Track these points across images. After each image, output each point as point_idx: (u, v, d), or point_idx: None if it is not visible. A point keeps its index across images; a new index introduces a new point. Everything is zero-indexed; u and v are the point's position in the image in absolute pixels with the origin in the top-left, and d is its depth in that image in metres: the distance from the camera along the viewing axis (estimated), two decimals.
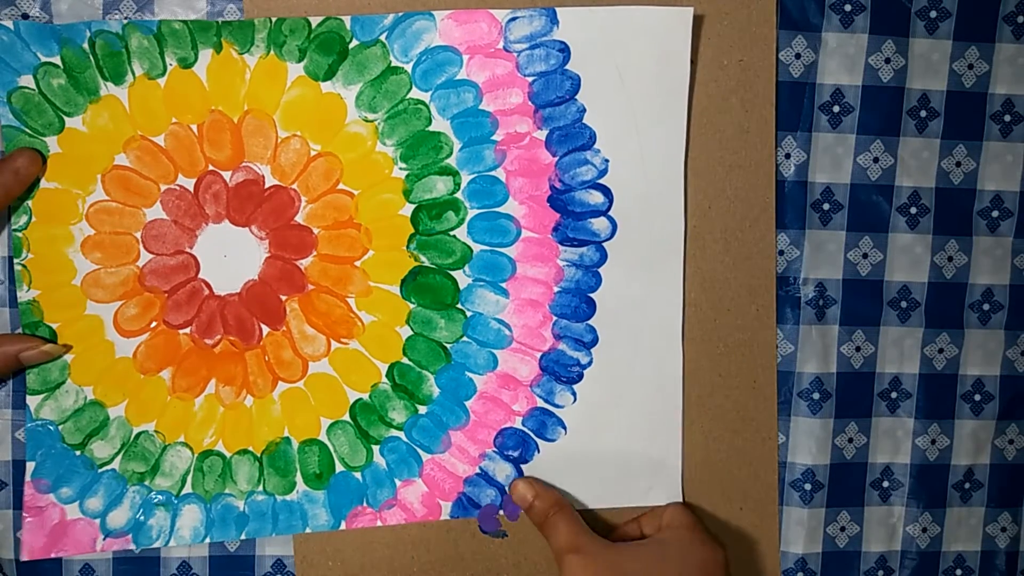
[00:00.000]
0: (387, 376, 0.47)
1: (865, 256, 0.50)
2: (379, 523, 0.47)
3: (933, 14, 0.49)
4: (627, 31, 0.45)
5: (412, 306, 0.47)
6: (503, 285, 0.47)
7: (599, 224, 0.47)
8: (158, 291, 0.46)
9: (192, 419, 0.46)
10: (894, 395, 0.51)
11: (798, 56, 0.48)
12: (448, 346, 0.47)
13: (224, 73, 0.44)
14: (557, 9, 0.45)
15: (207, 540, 0.47)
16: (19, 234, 0.45)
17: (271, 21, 0.44)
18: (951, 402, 0.51)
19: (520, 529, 0.48)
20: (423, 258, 0.46)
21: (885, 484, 0.51)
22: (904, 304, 0.50)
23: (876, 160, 0.49)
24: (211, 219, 0.45)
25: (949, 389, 0.51)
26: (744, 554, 0.50)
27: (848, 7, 0.48)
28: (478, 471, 0.48)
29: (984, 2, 0.49)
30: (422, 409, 0.47)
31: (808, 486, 0.50)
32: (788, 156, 0.48)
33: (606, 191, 0.47)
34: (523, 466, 0.48)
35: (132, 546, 0.46)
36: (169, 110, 0.44)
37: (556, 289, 0.47)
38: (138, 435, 0.46)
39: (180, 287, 0.46)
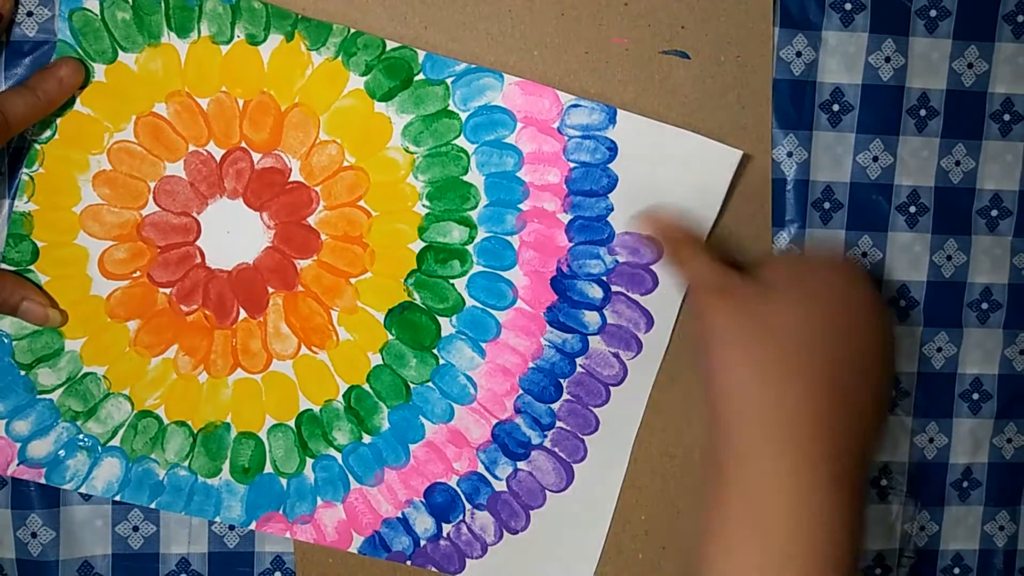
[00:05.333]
0: (344, 396, 0.47)
1: (864, 255, 0.50)
2: (288, 535, 0.47)
3: (933, 13, 0.49)
4: (676, 152, 0.46)
5: (390, 337, 0.47)
6: (483, 345, 0.48)
7: (591, 317, 0.48)
8: (152, 244, 0.45)
9: (143, 376, 0.46)
10: (892, 393, 0.51)
11: (799, 54, 0.48)
12: (412, 386, 0.47)
13: (287, 62, 0.44)
14: (618, 110, 0.46)
15: (117, 497, 0.46)
16: (38, 146, 0.44)
17: (348, 30, 0.44)
18: (949, 401, 0.51)
19: None
20: (416, 296, 0.47)
21: (883, 483, 0.51)
22: (903, 303, 0.50)
23: (876, 159, 0.49)
24: (227, 193, 0.46)
25: (947, 388, 0.51)
26: None
27: (848, 6, 0.48)
28: (399, 516, 0.48)
29: (984, 1, 0.49)
30: (367, 438, 0.47)
31: None
32: (790, 155, 0.49)
33: (607, 289, 0.48)
34: (444, 525, 0.48)
35: (42, 480, 0.46)
36: (222, 78, 0.45)
37: (531, 365, 0.48)
38: (86, 374, 0.46)
39: (174, 247, 0.46)
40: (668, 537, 0.50)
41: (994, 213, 0.51)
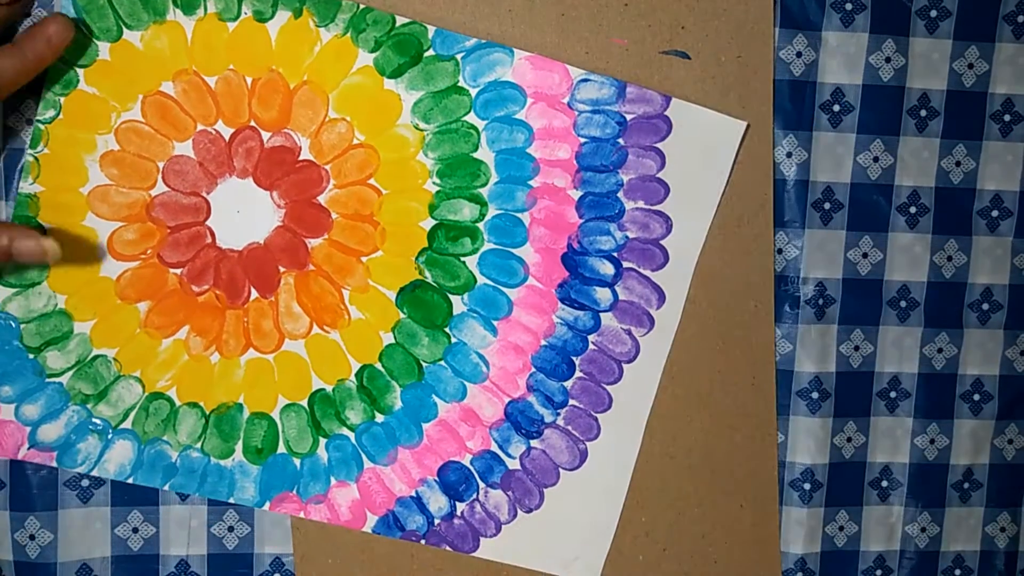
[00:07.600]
0: (356, 375, 0.47)
1: (865, 256, 0.50)
2: (302, 515, 0.47)
3: (933, 13, 0.49)
4: (683, 125, 0.46)
5: (402, 316, 0.47)
6: (495, 323, 0.47)
7: (602, 294, 0.48)
8: (162, 224, 0.45)
9: (154, 358, 0.46)
10: (893, 395, 0.51)
11: (799, 55, 0.48)
12: (424, 365, 0.47)
13: (295, 38, 0.44)
14: (627, 84, 0.46)
15: (130, 480, 0.46)
16: (41, 126, 0.44)
17: (357, 6, 0.44)
18: (950, 402, 0.52)
19: None
20: (428, 274, 0.47)
21: (884, 484, 0.51)
22: (903, 304, 0.51)
23: (876, 159, 0.49)
24: (237, 173, 0.45)
25: (948, 389, 0.52)
26: (744, 553, 0.50)
27: (848, 6, 0.48)
28: (413, 495, 0.48)
29: (984, 1, 0.49)
30: (379, 418, 0.47)
31: (807, 485, 0.50)
32: (789, 155, 0.49)
33: (618, 265, 0.47)
34: (458, 504, 0.48)
35: (54, 463, 0.45)
36: (230, 55, 0.44)
37: (543, 343, 0.48)
38: (96, 357, 0.45)
39: (185, 227, 0.45)
40: (668, 538, 0.50)
41: (995, 214, 0.51)
